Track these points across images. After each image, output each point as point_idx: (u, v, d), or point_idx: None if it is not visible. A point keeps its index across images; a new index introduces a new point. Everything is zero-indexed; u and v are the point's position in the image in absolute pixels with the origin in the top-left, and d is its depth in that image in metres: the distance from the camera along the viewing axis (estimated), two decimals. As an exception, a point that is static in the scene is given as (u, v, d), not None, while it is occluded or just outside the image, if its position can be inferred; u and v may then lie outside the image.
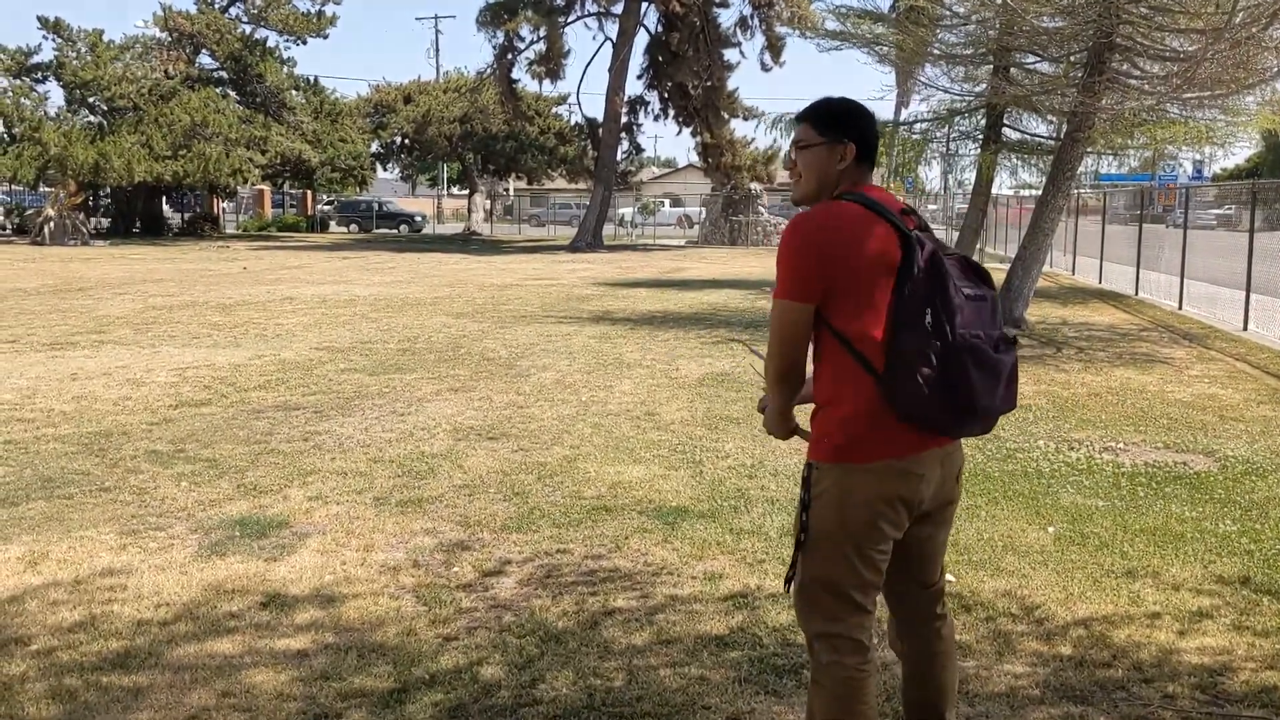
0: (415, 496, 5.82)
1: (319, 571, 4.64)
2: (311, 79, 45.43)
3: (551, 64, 37.99)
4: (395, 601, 4.34)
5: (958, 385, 2.60)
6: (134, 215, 43.57)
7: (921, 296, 2.62)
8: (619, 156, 40.97)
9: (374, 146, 49.99)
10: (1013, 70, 18.80)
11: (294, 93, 43.91)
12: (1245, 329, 14.08)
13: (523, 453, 6.89)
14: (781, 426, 2.81)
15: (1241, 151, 71.00)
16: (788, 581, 2.79)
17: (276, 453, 6.80)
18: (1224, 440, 7.51)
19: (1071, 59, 16.07)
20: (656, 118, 41.61)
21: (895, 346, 2.62)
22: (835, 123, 2.78)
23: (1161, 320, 15.72)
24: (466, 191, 55.58)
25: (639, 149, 44.77)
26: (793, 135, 2.86)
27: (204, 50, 42.21)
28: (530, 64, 38.85)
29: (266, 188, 51.28)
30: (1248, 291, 14.35)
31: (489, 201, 58.61)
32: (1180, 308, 16.90)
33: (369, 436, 7.28)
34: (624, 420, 7.95)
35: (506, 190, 67.99)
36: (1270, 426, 8.00)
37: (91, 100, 40.70)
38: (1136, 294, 19.48)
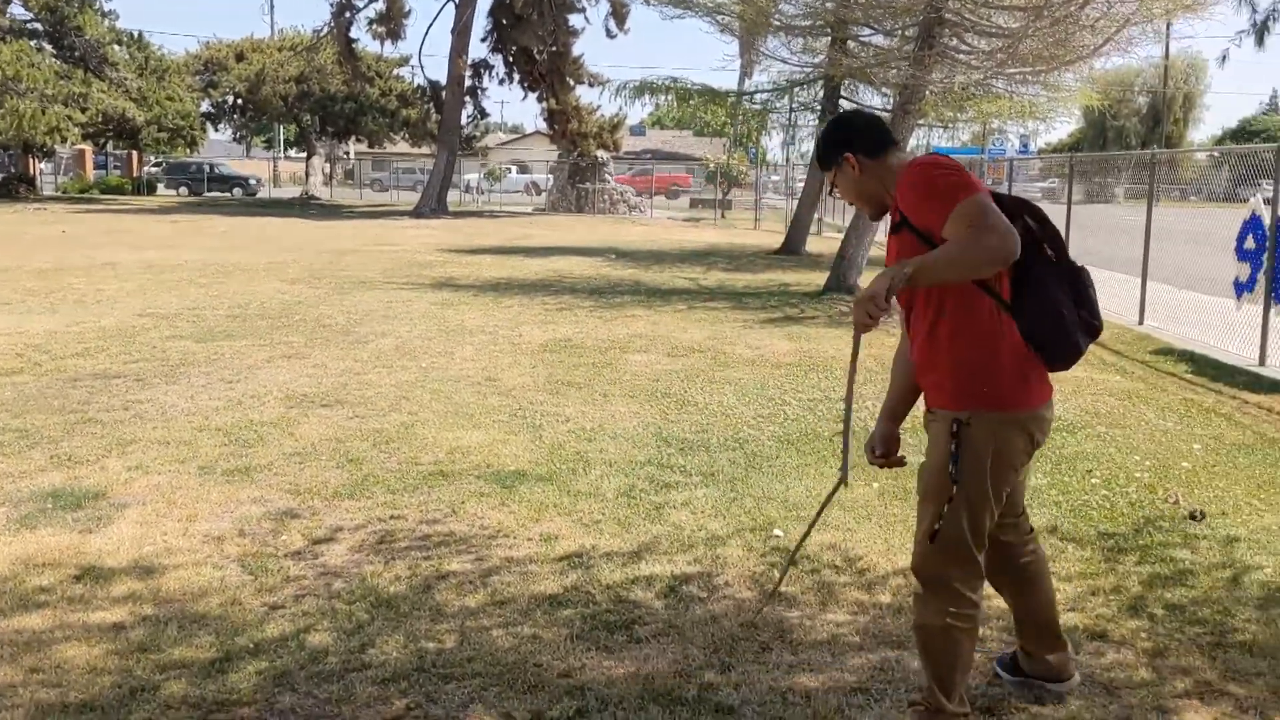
0: (243, 465, 5.65)
1: (138, 543, 4.46)
2: (135, 33, 43.10)
3: (392, 24, 37.05)
4: (219, 571, 4.21)
5: (1079, 302, 2.88)
6: (-61, 175, 40.74)
7: (1035, 233, 2.83)
8: (464, 121, 40.36)
9: (204, 106, 47.88)
10: (849, 43, 19.26)
11: (116, 47, 41.58)
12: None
13: (358, 419, 6.75)
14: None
15: (1064, 127, 74.64)
16: (932, 536, 2.93)
17: (94, 422, 6.49)
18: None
19: (904, 33, 16.57)
20: (501, 82, 41.10)
21: (1025, 278, 2.81)
22: (826, 154, 3.07)
23: (986, 287, 16.41)
24: (304, 154, 53.89)
25: (484, 114, 44.17)
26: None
27: (15, 0, 39.58)
28: (370, 23, 37.81)
29: (88, 148, 48.62)
30: (1064, 260, 15.09)
31: (328, 165, 56.96)
32: (1003, 275, 17.68)
33: (195, 405, 7.01)
34: (464, 386, 7.88)
35: (346, 154, 66.18)
36: (1081, 386, 8.47)
37: (-111, 50, 37.72)
38: (964, 262, 20.27)
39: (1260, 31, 4.98)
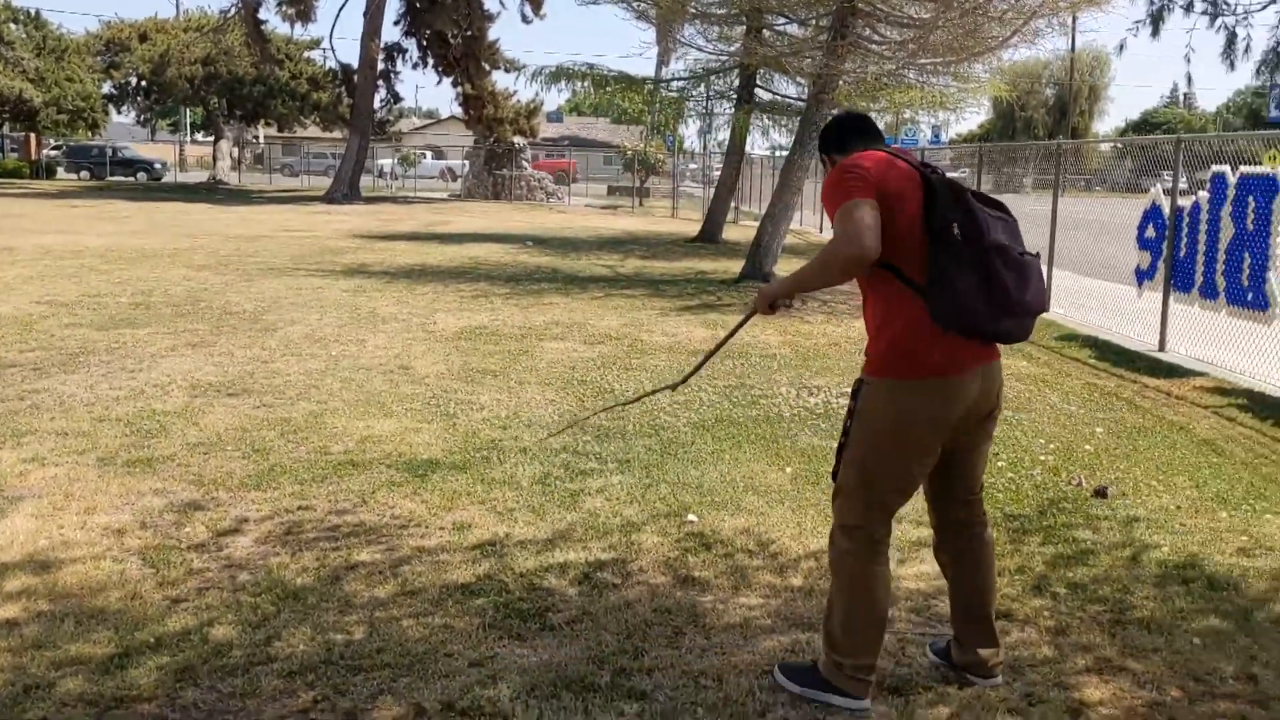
0: (144, 456, 5.49)
1: (33, 537, 4.31)
2: (32, 11, 41.67)
3: (302, 5, 36.27)
4: (119, 565, 4.08)
5: (992, 283, 2.95)
6: None
7: (947, 213, 2.97)
8: (377, 105, 39.72)
9: (106, 88, 46.43)
10: (764, 31, 19.37)
11: (12, 26, 40.15)
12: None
13: (266, 409, 6.61)
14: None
15: (974, 117, 76.05)
16: (834, 474, 3.26)
17: (-13, 413, 6.26)
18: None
19: (818, 22, 16.71)
20: (415, 66, 40.47)
21: (933, 260, 2.97)
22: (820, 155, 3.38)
23: (898, 275, 16.66)
24: (211, 138, 52.60)
25: (398, 98, 43.53)
26: None
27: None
28: (279, 4, 36.97)
29: (-18, 129, 46.87)
30: (973, 248, 15.39)
31: (236, 149, 55.67)
32: (915, 263, 17.96)
33: (94, 395, 6.80)
34: (376, 374, 7.76)
35: (255, 138, 64.75)
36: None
37: None
38: (877, 250, 20.55)
39: (1155, 20, 5.11)
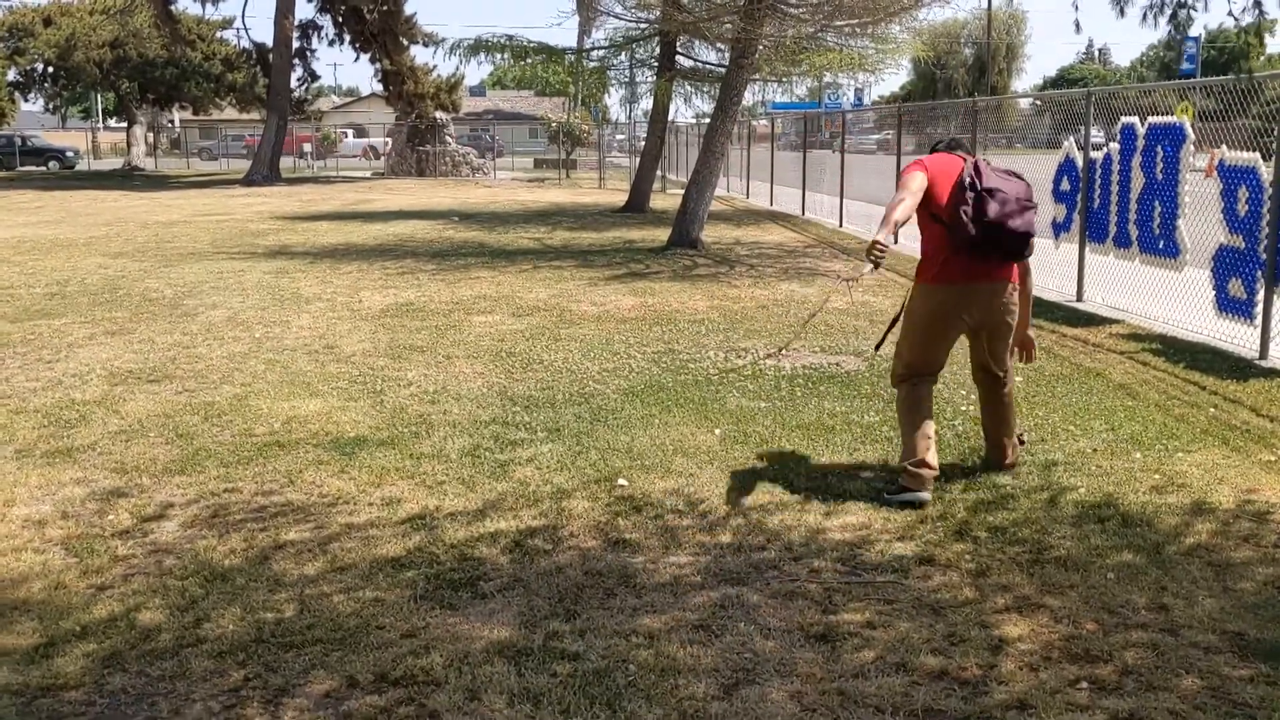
0: (64, 446, 5.39)
1: (-52, 532, 4.22)
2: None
3: (212, -16, 35.39)
4: (40, 555, 4.02)
5: (982, 211, 4.55)
6: None
7: (966, 186, 4.64)
8: (294, 84, 38.97)
9: (11, 75, 44.95)
10: (683, -2, 19.32)
11: (-92, 13, 38.68)
12: (895, 242, 15.33)
13: (188, 394, 6.51)
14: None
15: (895, 79, 76.69)
16: (877, 346, 5.74)
17: (-103, 410, 6.09)
18: (872, 342, 8.17)
19: (735, -13, 16.71)
20: (332, 43, 39.85)
21: (951, 205, 4.65)
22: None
23: (824, 238, 16.84)
24: (125, 124, 51.24)
25: (315, 76, 42.67)
26: None
27: None
28: (189, -16, 36.10)
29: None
30: (896, 207, 15.58)
31: (151, 134, 54.34)
32: (841, 225, 18.17)
33: (10, 387, 6.64)
34: (301, 355, 7.67)
35: (171, 122, 63.24)
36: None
37: None
38: (803, 214, 20.74)
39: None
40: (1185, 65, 50.44)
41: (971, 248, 4.60)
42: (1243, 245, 7.70)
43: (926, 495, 4.56)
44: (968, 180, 4.63)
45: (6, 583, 3.78)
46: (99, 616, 3.52)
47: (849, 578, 3.85)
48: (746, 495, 4.70)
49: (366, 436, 5.60)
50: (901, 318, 4.92)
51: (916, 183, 4.67)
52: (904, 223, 4.76)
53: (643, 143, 29.17)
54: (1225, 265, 7.90)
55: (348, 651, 3.30)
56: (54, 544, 4.15)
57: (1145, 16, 4.59)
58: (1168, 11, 4.37)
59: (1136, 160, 9.04)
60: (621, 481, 4.89)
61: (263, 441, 5.49)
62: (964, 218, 4.57)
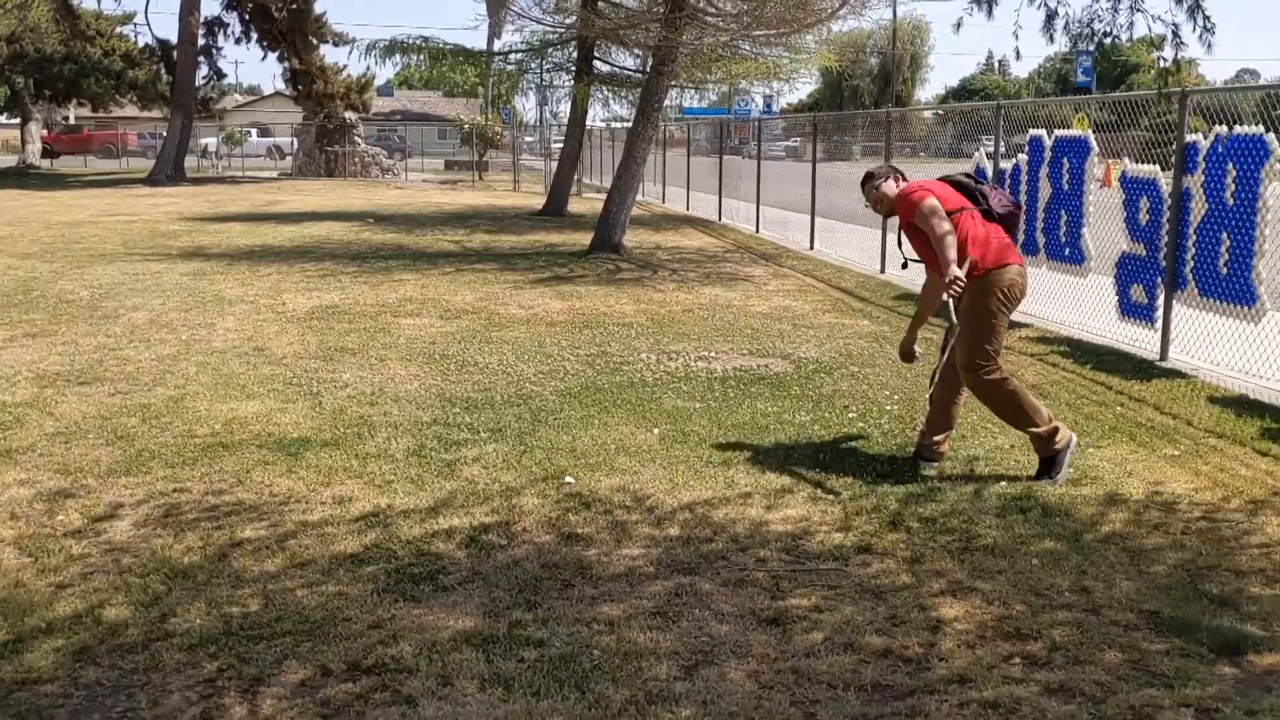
0: (1, 449, 5.34)
1: (-105, 534, 4.19)
2: None
3: (115, -21, 34.53)
4: (-6, 556, 4.02)
5: (983, 200, 5.29)
6: None
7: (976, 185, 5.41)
8: (199, 82, 38.18)
9: (-102, 67, 43.15)
10: (600, 4, 19.52)
11: None
12: (812, 248, 15.70)
13: (122, 395, 6.47)
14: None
15: (805, 87, 78.00)
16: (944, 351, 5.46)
17: None
18: (797, 345, 8.44)
19: (654, -5, 16.96)
20: (239, 41, 39.01)
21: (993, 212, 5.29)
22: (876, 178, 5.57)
23: (743, 243, 17.16)
24: (18, 120, 49.58)
25: (221, 74, 41.85)
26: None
27: None
28: (89, -22, 35.13)
29: None
30: (812, 215, 15.99)
31: (46, 131, 52.63)
32: (758, 231, 18.52)
33: (-65, 389, 6.53)
34: (232, 357, 7.65)
35: (66, 118, 61.32)
36: (834, 332, 9.08)
37: None
38: (720, 220, 21.06)
39: (989, 3, 5.48)
40: (1081, 78, 52.24)
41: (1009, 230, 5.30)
42: (1144, 253, 8.14)
43: (1073, 435, 5.18)
44: (971, 181, 5.39)
45: (-37, 582, 3.77)
46: (63, 613, 3.56)
47: (794, 565, 4.05)
48: (689, 491, 4.88)
49: (310, 437, 5.65)
50: (969, 319, 5.06)
51: (940, 209, 5.01)
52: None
53: (556, 146, 29.23)
54: (1128, 272, 8.33)
55: (317, 642, 3.39)
56: (6, 543, 4.15)
57: (1075, 44, 4.89)
58: (1086, 36, 4.67)
59: (1044, 171, 9.47)
60: (569, 479, 5.03)
61: (206, 443, 5.50)
62: (1005, 205, 5.28)
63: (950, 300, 4.99)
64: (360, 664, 3.25)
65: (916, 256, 5.39)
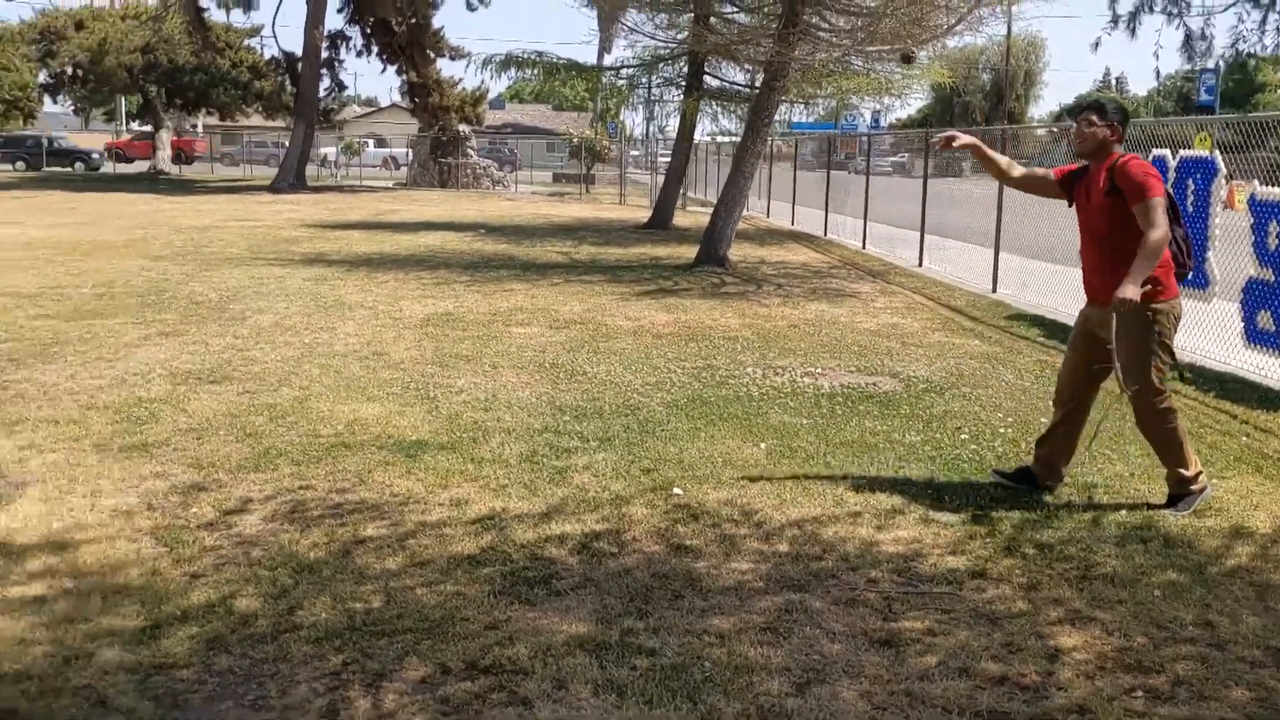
0: (139, 442, 5.60)
1: (45, 519, 4.43)
2: (-38, -2, 40.66)
3: (244, -7, 35.87)
4: (134, 544, 4.22)
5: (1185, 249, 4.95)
6: None
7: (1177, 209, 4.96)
8: (321, 94, 39.39)
9: (41, 77, 45.47)
10: (713, 19, 19.60)
11: (-58, 12, 39.12)
12: (920, 265, 15.52)
13: (249, 395, 6.72)
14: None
15: (915, 103, 77.05)
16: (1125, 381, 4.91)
17: (-28, 403, 6.31)
18: (906, 363, 8.36)
19: (767, 10, 16.97)
20: (359, 54, 40.19)
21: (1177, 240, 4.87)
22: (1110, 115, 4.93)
23: (849, 259, 17.04)
24: (149, 127, 51.73)
25: (342, 86, 43.16)
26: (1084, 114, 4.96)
27: None
28: (221, -8, 36.57)
29: (-89, 119, 45.73)
30: (922, 231, 15.80)
31: (175, 138, 54.80)
32: (864, 247, 18.36)
33: (77, 384, 6.86)
34: (352, 360, 7.89)
35: (194, 126, 63.76)
36: (944, 351, 8.97)
37: None
38: (826, 235, 20.94)
39: (1132, 21, 5.40)
40: (1204, 96, 50.57)
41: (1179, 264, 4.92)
42: (1273, 278, 7.87)
43: (1209, 485, 5.09)
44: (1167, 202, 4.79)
45: (106, 568, 3.97)
46: (197, 602, 3.72)
47: (906, 587, 4.03)
48: (797, 508, 4.89)
49: (427, 440, 5.80)
50: (1141, 345, 4.82)
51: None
52: None
53: (662, 159, 29.33)
54: (1255, 298, 8.06)
55: (436, 640, 3.49)
56: (144, 534, 4.35)
57: (1219, 64, 4.80)
58: (1230, 57, 4.57)
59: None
60: (677, 490, 5.08)
61: (329, 442, 5.69)
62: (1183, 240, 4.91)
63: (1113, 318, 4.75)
64: (478, 664, 3.34)
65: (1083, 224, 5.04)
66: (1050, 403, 6.96)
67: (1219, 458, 5.84)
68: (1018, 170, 5.50)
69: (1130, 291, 4.59)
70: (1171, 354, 4.94)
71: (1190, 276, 8.81)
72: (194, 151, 54.61)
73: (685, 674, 3.30)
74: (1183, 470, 4.95)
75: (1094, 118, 4.89)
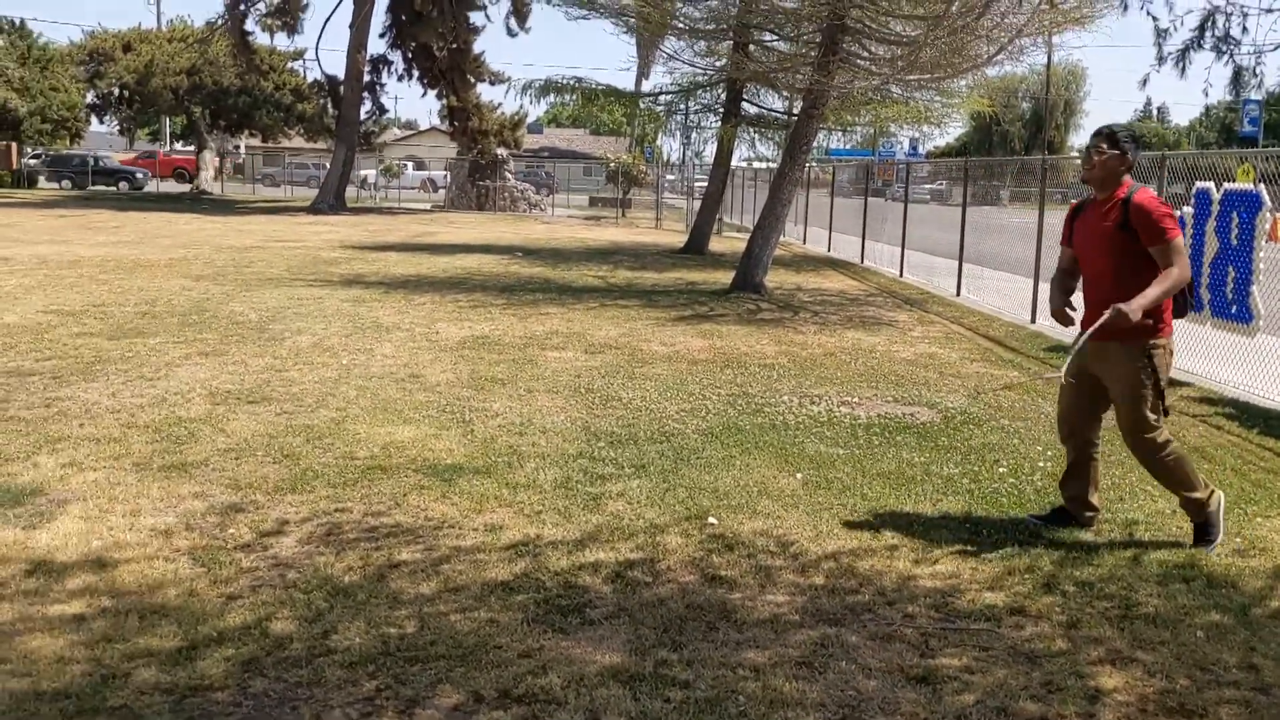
0: (178, 461, 5.65)
1: (85, 537, 4.47)
2: (16, 21, 41.59)
3: (288, 16, 36.41)
4: (171, 564, 4.25)
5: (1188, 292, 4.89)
6: None
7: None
8: (362, 117, 39.82)
9: (89, 97, 46.30)
10: (752, 47, 19.64)
11: (-4, 35, 40.01)
12: (959, 295, 15.42)
13: (287, 416, 6.77)
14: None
15: (953, 131, 76.89)
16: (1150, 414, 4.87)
17: (17, 420, 6.39)
18: (944, 394, 8.30)
19: (806, 39, 17.00)
20: (401, 78, 40.57)
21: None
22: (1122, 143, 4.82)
23: (885, 287, 16.96)
24: (190, 147, 52.47)
25: (383, 110, 43.57)
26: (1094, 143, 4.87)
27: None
28: (264, 16, 37.10)
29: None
30: (960, 260, 15.72)
31: (218, 159, 55.59)
32: (901, 275, 18.28)
33: (118, 402, 6.94)
34: (389, 383, 7.93)
35: (237, 147, 64.64)
36: (983, 382, 8.89)
37: None
38: (862, 262, 20.87)
39: (1181, 59, 5.38)
40: (1248, 127, 50.08)
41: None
42: (1319, 314, 7.75)
43: (1221, 496, 5.04)
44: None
45: (144, 588, 4.01)
46: (233, 624, 3.74)
47: (944, 624, 3.98)
48: (834, 540, 4.85)
49: (462, 464, 5.81)
50: (1134, 381, 4.80)
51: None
52: None
53: (698, 184, 29.40)
54: (1301, 333, 7.95)
55: (470, 668, 3.48)
56: (181, 553, 4.38)
57: (1238, 90, 4.76)
58: (1227, 69, 4.54)
59: (1210, 225, 9.12)
60: (711, 520, 5.06)
61: (365, 465, 5.72)
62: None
63: (1085, 336, 4.79)
64: (511, 692, 3.33)
65: (1082, 263, 5.02)
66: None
67: (1263, 496, 5.74)
68: (1069, 270, 5.29)
69: (1136, 306, 4.54)
70: (1162, 393, 4.84)
71: (1235, 311, 8.78)
72: (194, 171, 55.18)
73: (719, 708, 3.28)
74: (1192, 494, 4.90)
75: (1104, 146, 4.82)
